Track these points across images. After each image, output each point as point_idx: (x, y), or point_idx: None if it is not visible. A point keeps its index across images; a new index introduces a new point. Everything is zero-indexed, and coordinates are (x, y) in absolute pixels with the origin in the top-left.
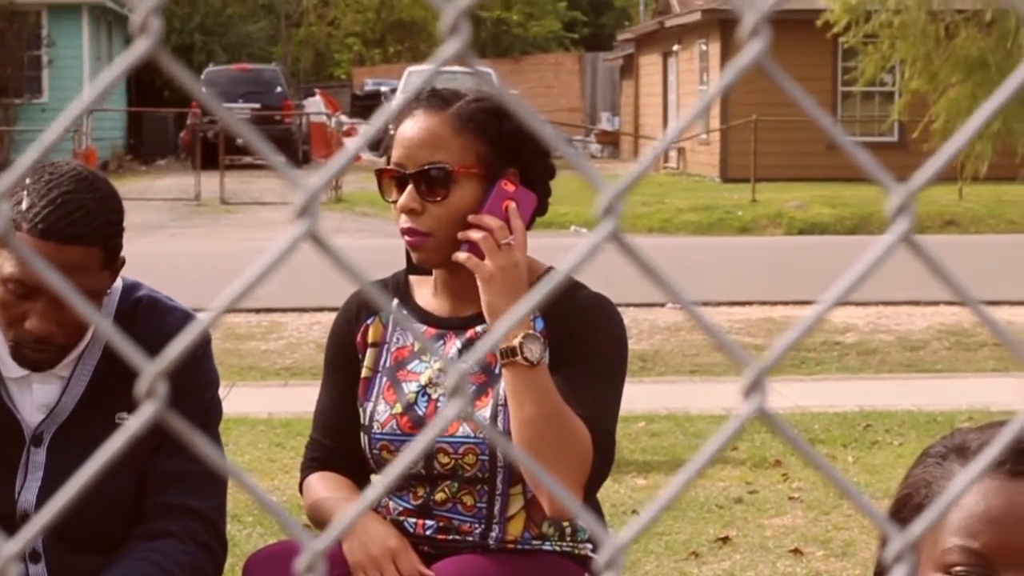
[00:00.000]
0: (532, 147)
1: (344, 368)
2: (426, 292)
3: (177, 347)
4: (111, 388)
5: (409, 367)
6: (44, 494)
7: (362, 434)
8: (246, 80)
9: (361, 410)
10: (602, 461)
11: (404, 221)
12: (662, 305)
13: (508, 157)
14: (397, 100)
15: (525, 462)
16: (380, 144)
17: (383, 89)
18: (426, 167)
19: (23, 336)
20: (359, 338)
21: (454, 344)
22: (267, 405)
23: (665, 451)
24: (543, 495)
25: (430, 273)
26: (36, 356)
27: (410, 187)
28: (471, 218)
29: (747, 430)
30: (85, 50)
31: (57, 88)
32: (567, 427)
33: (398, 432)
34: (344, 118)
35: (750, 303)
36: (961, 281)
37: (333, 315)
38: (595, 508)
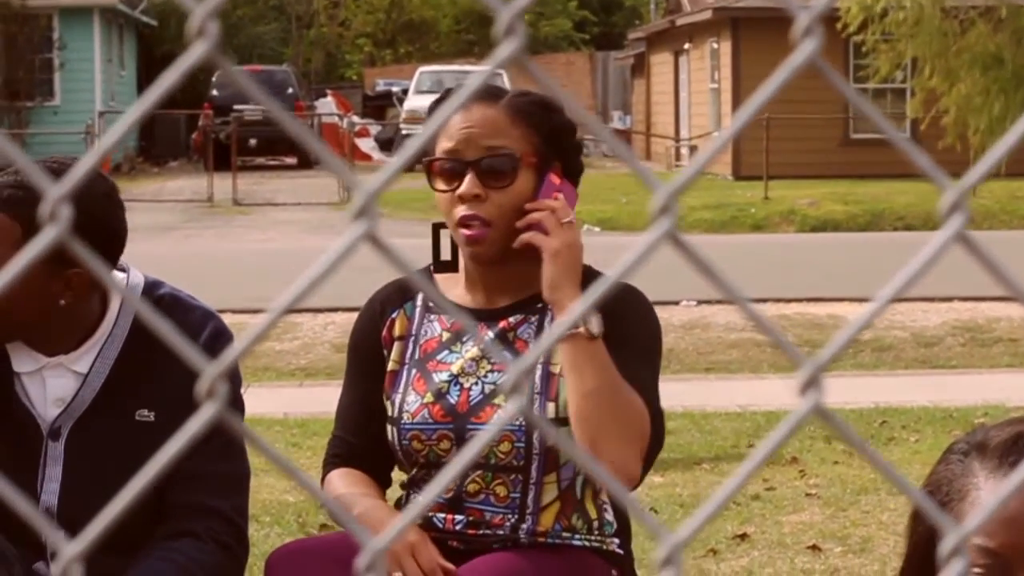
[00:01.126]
0: (572, 142)
1: (367, 366)
2: (451, 287)
3: (236, 350)
4: (130, 384)
5: (438, 358)
6: (65, 489)
7: (389, 427)
8: (257, 82)
9: (389, 403)
10: (657, 435)
11: (464, 210)
12: (676, 303)
13: (555, 150)
14: (451, 102)
15: (590, 425)
16: (392, 144)
17: (394, 89)
18: (491, 153)
19: None
20: (385, 332)
21: (486, 335)
22: (282, 405)
23: (681, 449)
24: (606, 467)
25: (456, 270)
26: None
27: (471, 174)
28: (530, 205)
29: (763, 426)
30: (96, 52)
31: (69, 91)
32: (628, 399)
33: (430, 421)
34: (356, 119)
35: (764, 300)
36: (1014, 276)
37: (348, 315)
38: (614, 504)
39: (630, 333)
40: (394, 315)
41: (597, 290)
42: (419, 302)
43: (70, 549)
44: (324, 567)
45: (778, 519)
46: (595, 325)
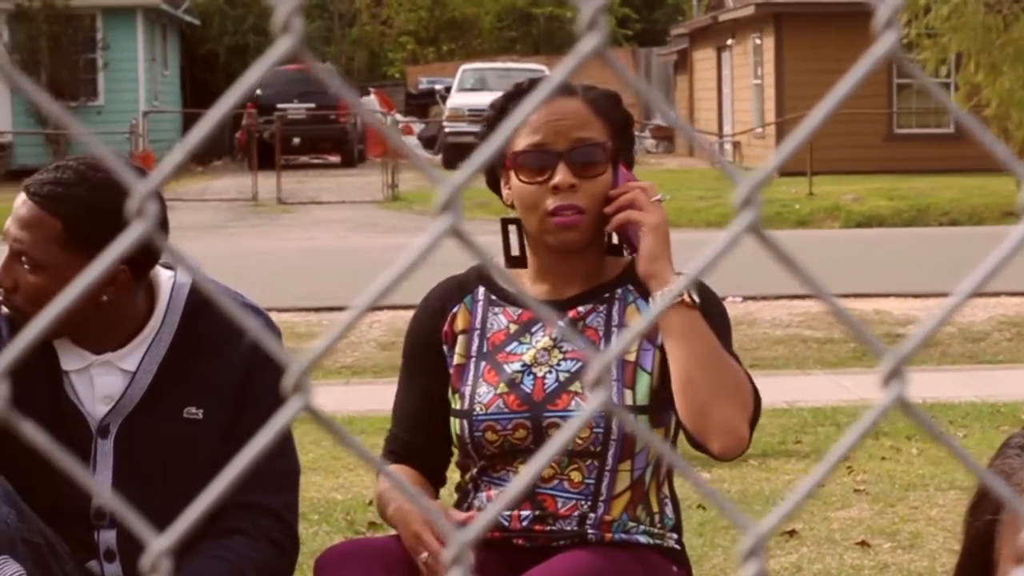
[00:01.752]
0: (631, 135)
1: (424, 363)
2: (514, 278)
3: (320, 345)
4: (178, 382)
5: (508, 349)
6: (116, 486)
7: (457, 420)
8: (301, 80)
9: (457, 396)
10: (758, 397)
11: (560, 199)
12: (722, 299)
13: (623, 142)
14: (532, 98)
15: (699, 394)
16: (435, 141)
17: (437, 87)
18: (583, 144)
19: None
20: (446, 327)
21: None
22: (329, 404)
23: None
24: (715, 431)
25: (525, 265)
26: (2, 304)
27: (563, 165)
28: (615, 191)
29: (810, 422)
30: (140, 52)
31: (112, 91)
32: (732, 364)
33: (505, 410)
34: (399, 117)
35: (810, 296)
36: None
37: (393, 313)
38: (673, 499)
39: (707, 313)
40: (455, 310)
41: (684, 280)
42: (480, 296)
43: (158, 544)
44: (373, 570)
45: (827, 515)
46: (695, 294)
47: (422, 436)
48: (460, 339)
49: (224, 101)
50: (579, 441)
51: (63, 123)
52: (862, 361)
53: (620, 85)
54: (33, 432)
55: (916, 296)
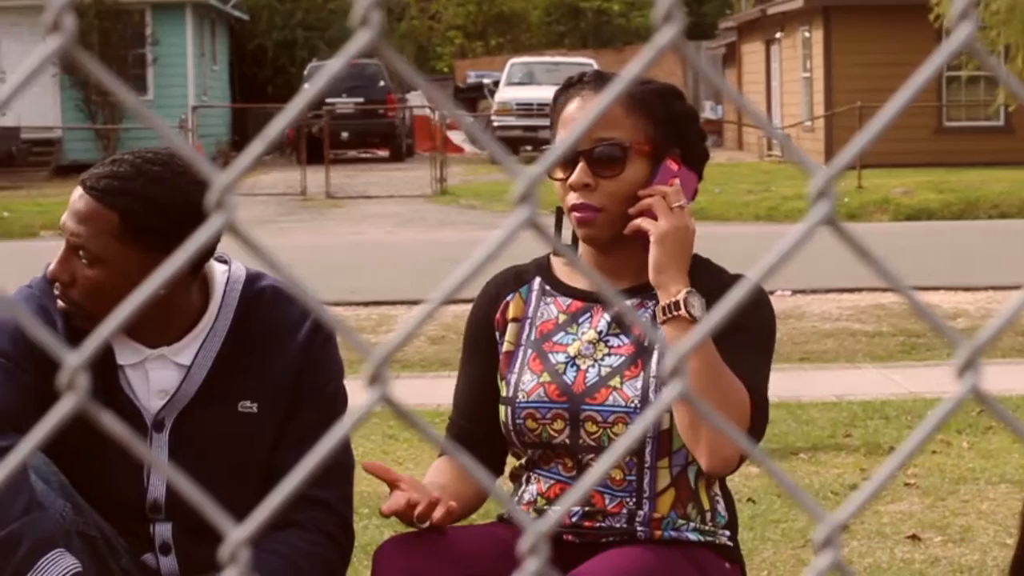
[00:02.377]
0: (694, 130)
1: (480, 352)
2: (569, 272)
3: (398, 337)
4: (233, 376)
5: (555, 339)
6: (172, 481)
7: (503, 407)
8: (349, 75)
9: (504, 383)
10: (759, 422)
11: (575, 198)
12: (771, 292)
13: (673, 138)
14: (600, 100)
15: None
16: None
17: (486, 81)
18: (601, 144)
19: None
20: (499, 315)
21: (602, 317)
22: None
23: (777, 439)
24: (703, 448)
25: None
26: (59, 299)
27: (582, 163)
28: (642, 192)
29: (859, 416)
30: (189, 47)
31: (161, 86)
32: (728, 383)
33: (545, 399)
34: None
35: (859, 290)
36: None
37: (443, 307)
38: (725, 496)
39: (739, 323)
40: (509, 298)
41: (753, 279)
42: (535, 286)
43: (237, 534)
44: (432, 561)
45: (877, 509)
46: (696, 308)
47: (481, 424)
48: (511, 327)
49: (304, 95)
50: (614, 436)
51: (142, 115)
52: (911, 355)
53: (675, 77)
54: (113, 423)
55: (966, 289)
